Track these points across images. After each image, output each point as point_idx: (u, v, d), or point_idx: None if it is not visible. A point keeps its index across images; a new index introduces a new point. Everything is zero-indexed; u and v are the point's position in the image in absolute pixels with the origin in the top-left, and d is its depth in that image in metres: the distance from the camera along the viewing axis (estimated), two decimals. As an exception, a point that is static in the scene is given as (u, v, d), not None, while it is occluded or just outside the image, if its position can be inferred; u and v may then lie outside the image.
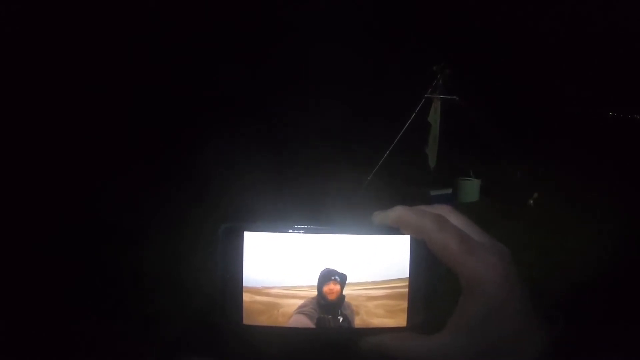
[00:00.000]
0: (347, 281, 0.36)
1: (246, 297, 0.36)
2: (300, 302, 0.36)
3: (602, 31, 9.56)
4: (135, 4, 7.40)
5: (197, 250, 2.66)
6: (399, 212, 0.36)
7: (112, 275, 2.58)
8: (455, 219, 0.36)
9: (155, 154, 5.04)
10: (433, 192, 4.44)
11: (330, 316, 0.36)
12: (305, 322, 0.36)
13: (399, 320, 0.37)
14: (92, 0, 7.16)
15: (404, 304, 0.37)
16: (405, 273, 0.37)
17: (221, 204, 3.41)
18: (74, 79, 6.63)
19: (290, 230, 0.36)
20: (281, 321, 0.36)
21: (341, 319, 0.36)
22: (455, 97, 4.66)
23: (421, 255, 0.36)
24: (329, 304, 0.36)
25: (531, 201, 4.38)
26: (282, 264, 0.36)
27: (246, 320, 0.36)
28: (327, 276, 0.36)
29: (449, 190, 4.59)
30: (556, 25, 9.33)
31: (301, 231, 0.36)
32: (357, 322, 0.37)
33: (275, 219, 0.37)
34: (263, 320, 0.36)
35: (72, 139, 5.17)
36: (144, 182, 4.12)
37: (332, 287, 0.36)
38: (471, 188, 4.61)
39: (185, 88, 7.36)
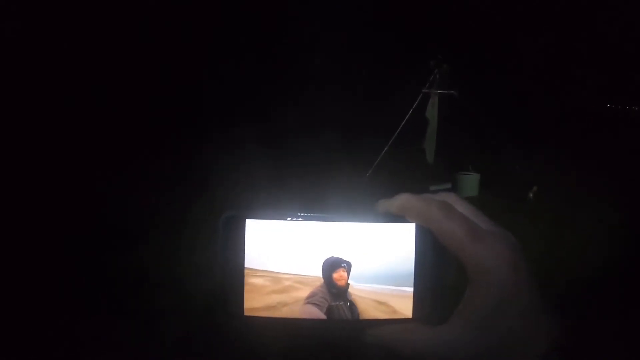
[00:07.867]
0: (352, 273, 0.36)
1: (247, 285, 0.35)
2: (304, 289, 0.35)
3: (602, 26, 9.55)
4: (137, 3, 7.39)
5: (198, 247, 2.65)
6: (404, 199, 0.35)
7: (113, 274, 2.58)
8: (462, 207, 0.35)
9: (154, 151, 5.03)
10: (432, 187, 4.43)
11: (341, 302, 0.36)
12: (315, 313, 0.36)
13: (405, 311, 0.36)
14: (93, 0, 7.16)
15: (410, 295, 0.36)
16: (411, 273, 0.36)
17: (221, 197, 3.40)
18: (75, 79, 6.64)
19: (293, 218, 0.35)
20: (286, 312, 0.35)
21: (349, 304, 0.36)
22: (453, 91, 4.65)
23: (427, 244, 0.35)
24: (339, 291, 0.36)
25: (531, 195, 4.38)
26: (285, 252, 0.35)
27: (247, 312, 0.35)
28: (337, 263, 0.35)
29: (448, 185, 4.58)
30: (555, 19, 9.31)
31: (304, 219, 0.35)
32: (362, 314, 0.36)
33: (276, 208, 0.36)
34: (265, 311, 0.35)
35: (71, 139, 5.16)
36: (143, 180, 4.12)
37: (341, 274, 0.35)
38: (470, 182, 4.60)
39: (181, 85, 7.36)
